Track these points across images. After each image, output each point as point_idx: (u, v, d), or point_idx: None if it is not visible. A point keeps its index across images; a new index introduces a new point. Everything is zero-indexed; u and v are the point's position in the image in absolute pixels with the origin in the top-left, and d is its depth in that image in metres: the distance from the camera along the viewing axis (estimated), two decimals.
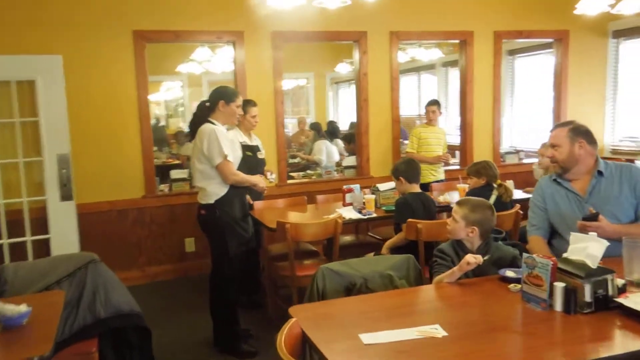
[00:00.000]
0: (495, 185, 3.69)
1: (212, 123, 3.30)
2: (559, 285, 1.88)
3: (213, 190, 3.29)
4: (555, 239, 2.79)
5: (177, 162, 8.05)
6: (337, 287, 2.41)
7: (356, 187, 4.11)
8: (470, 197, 2.54)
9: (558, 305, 1.89)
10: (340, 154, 7.49)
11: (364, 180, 5.51)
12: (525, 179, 5.69)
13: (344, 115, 11.19)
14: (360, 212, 3.80)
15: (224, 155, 3.19)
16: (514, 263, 2.37)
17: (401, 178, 3.55)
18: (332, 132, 8.17)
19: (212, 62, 7.72)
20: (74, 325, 2.65)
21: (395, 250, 3.42)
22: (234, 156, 3.31)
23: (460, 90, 5.99)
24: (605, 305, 1.86)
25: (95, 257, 2.85)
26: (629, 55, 6.29)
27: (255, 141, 4.33)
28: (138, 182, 4.98)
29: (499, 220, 3.45)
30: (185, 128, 9.73)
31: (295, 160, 7.70)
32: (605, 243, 1.94)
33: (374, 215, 3.81)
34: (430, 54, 7.50)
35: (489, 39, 5.89)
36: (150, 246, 5.08)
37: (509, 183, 3.89)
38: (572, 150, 2.70)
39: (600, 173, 2.68)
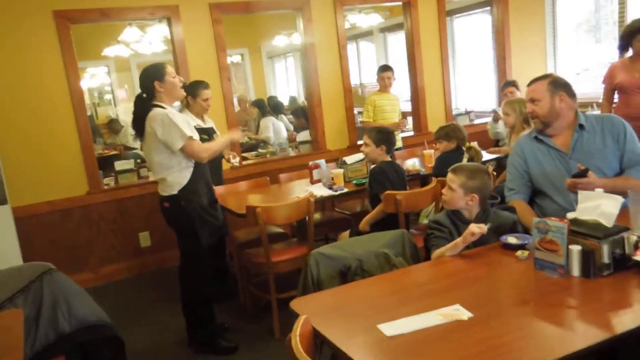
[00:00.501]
0: (464, 148, 3.61)
1: (160, 107, 3.00)
2: (575, 249, 1.79)
3: (174, 180, 3.01)
4: (539, 198, 2.73)
5: (114, 152, 7.56)
6: (332, 272, 2.24)
7: (322, 162, 3.92)
8: (465, 164, 2.41)
9: (575, 270, 1.80)
10: (287, 130, 7.27)
11: (322, 154, 5.33)
12: (478, 139, 5.67)
13: (282, 90, 10.93)
14: (331, 188, 3.62)
15: (186, 136, 2.91)
16: (513, 228, 2.28)
17: (383, 146, 3.35)
18: (275, 108, 7.90)
19: (142, 42, 7.23)
20: (34, 345, 2.38)
21: (373, 225, 3.29)
22: (196, 135, 3.03)
23: (407, 54, 5.87)
24: (623, 264, 1.79)
25: (50, 267, 2.55)
26: (565, 9, 6.38)
27: (209, 123, 4.03)
28: (79, 177, 4.58)
29: None
30: (116, 115, 9.22)
31: (243, 140, 7.40)
32: (620, 199, 1.86)
33: (345, 190, 3.64)
34: (369, 19, 7.32)
35: None
36: (101, 245, 4.71)
37: (475, 144, 3.83)
38: (553, 104, 2.62)
39: (581, 127, 2.62)
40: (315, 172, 3.87)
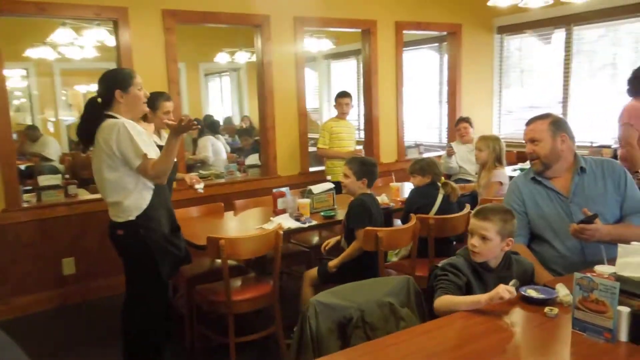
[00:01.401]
0: (439, 184, 3.43)
1: (114, 117, 2.58)
2: (624, 311, 1.60)
3: (132, 203, 2.56)
4: (535, 244, 2.57)
5: (29, 164, 6.79)
6: (330, 324, 1.92)
7: (286, 190, 3.59)
8: (488, 206, 2.16)
9: (623, 335, 1.61)
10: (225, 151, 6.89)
11: (272, 180, 5.01)
12: None
13: (215, 110, 10.48)
14: (298, 220, 3.29)
15: (141, 153, 2.49)
16: (533, 277, 2.07)
17: (365, 180, 3.09)
18: (211, 127, 7.49)
19: (72, 46, 6.62)
20: None
21: (342, 264, 3.02)
22: (155, 154, 2.61)
23: (364, 82, 5.71)
24: None
25: None
26: (512, 50, 6.54)
27: (165, 139, 3.59)
28: None
29: (450, 224, 3.22)
30: (31, 121, 8.37)
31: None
32: None
33: (314, 222, 3.32)
34: (320, 44, 7.13)
35: (391, 28, 5.69)
36: (16, 272, 4.06)
37: (450, 181, 3.66)
38: (555, 145, 2.50)
39: (582, 170, 2.51)
40: (280, 201, 3.53)
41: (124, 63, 4.33)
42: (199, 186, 3.24)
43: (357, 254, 3.01)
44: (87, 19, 4.90)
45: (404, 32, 5.77)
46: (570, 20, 5.72)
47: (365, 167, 3.10)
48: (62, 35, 5.82)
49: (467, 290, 1.98)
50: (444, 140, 7.01)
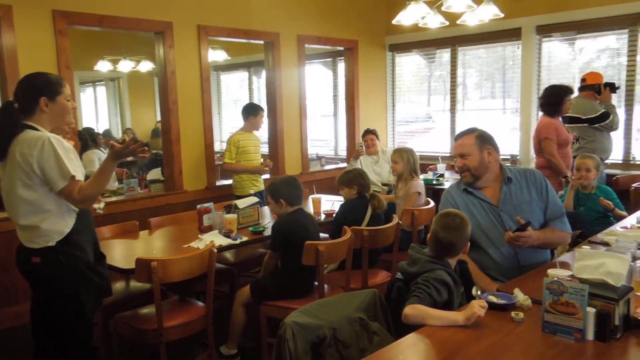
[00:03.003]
0: (368, 196, 3.47)
1: (35, 129, 2.26)
2: (591, 311, 1.71)
3: (52, 228, 2.23)
4: (472, 251, 2.67)
5: None
6: (305, 345, 1.83)
7: (211, 205, 3.40)
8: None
9: (590, 334, 1.72)
10: None
11: (179, 195, 4.75)
12: (331, 185, 5.68)
13: (89, 122, 9.73)
14: (228, 237, 3.12)
15: (68, 175, 2.20)
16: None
17: (282, 201, 3.03)
18: (93, 140, 6.94)
19: None
20: None
21: (280, 276, 2.99)
22: (82, 175, 2.31)
23: (267, 94, 5.65)
24: (627, 325, 1.77)
25: None
26: (403, 67, 6.90)
27: None
28: None
29: (382, 234, 3.27)
30: None
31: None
32: (628, 258, 1.85)
33: (245, 238, 3.18)
34: (215, 55, 6.95)
35: (293, 42, 5.70)
36: None
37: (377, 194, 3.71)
38: (482, 158, 2.65)
39: (509, 179, 2.68)
40: (205, 217, 3.33)
41: (8, 68, 3.85)
42: (99, 205, 2.87)
43: (271, 269, 3.06)
44: None
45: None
46: (455, 42, 6.17)
47: (274, 187, 3.10)
48: None
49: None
50: (340, 152, 7.16)
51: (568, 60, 5.59)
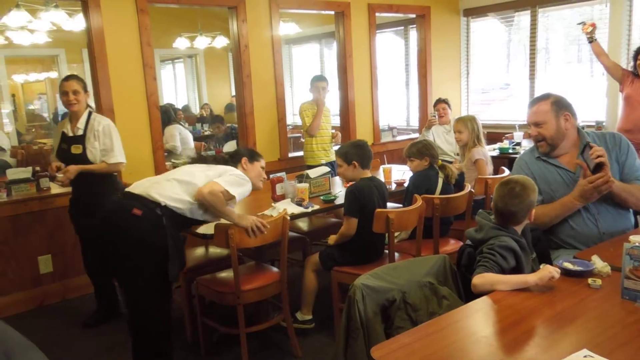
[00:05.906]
0: (437, 167, 3.43)
1: None
2: None
3: (178, 196, 2.52)
4: None
5: None
6: (374, 307, 1.87)
7: (283, 175, 3.50)
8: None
9: None
10: None
11: None
12: (402, 155, 5.62)
13: (169, 98, 10.16)
14: (300, 205, 3.21)
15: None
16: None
17: (355, 162, 3.05)
18: (173, 114, 7.24)
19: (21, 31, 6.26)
20: None
21: (341, 246, 3.06)
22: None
23: (338, 65, 5.65)
24: None
25: None
26: (478, 33, 6.65)
27: (79, 130, 3.41)
28: None
29: (453, 203, 3.24)
30: None
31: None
32: None
33: (317, 207, 3.25)
34: (286, 28, 7.00)
35: (364, 11, 5.64)
36: None
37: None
38: (559, 125, 2.52)
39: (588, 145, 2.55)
40: (278, 187, 3.44)
41: (96, 47, 4.09)
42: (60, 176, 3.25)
43: (342, 240, 3.05)
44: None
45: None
46: (535, 2, 5.85)
47: (345, 150, 3.10)
48: (15, 17, 5.43)
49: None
50: (412, 123, 7.06)
51: None
